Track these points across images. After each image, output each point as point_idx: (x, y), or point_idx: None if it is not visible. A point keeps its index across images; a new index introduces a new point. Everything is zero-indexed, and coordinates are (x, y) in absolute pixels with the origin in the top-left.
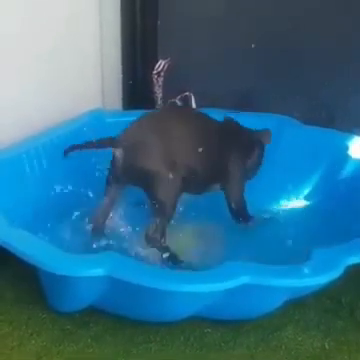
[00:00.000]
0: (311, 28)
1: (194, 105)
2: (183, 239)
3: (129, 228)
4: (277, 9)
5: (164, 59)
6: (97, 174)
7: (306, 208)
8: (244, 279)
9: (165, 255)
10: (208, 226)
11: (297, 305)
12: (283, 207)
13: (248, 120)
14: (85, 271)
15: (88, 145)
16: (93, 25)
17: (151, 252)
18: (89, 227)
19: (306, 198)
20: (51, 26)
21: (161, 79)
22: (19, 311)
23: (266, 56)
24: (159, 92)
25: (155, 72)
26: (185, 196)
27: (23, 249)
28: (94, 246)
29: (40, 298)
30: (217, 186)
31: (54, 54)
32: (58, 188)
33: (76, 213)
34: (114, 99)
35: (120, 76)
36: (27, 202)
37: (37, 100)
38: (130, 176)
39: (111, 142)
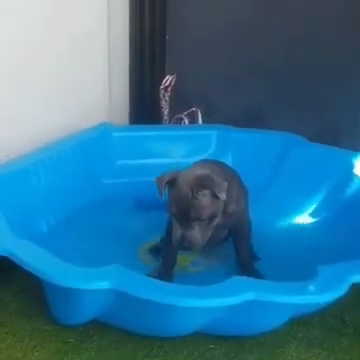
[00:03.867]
0: (319, 46)
1: (200, 121)
2: (188, 254)
3: None
4: (286, 27)
5: (171, 74)
6: (103, 187)
7: (312, 225)
8: (249, 295)
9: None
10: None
11: (301, 323)
12: (289, 224)
13: (255, 137)
14: (90, 284)
15: None
16: (102, 40)
17: None
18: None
19: (312, 215)
20: (61, 41)
21: (168, 94)
22: (23, 323)
23: (273, 74)
24: (166, 107)
25: (162, 87)
26: None
27: (29, 261)
28: None
29: (44, 310)
30: None
31: (63, 69)
32: (65, 201)
33: (81, 224)
34: (121, 113)
35: (127, 91)
36: (34, 214)
37: (46, 114)
38: None
39: None
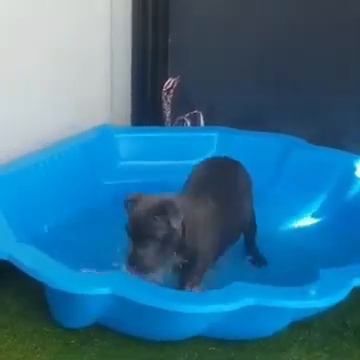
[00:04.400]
0: (323, 49)
1: (202, 123)
2: None
3: None
4: (289, 30)
5: (174, 77)
6: (104, 189)
7: (313, 227)
8: (249, 301)
9: None
10: None
11: (302, 326)
12: (290, 226)
13: (256, 140)
14: (91, 289)
15: None
16: (104, 42)
17: None
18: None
19: (313, 217)
20: (63, 42)
21: (170, 96)
22: (24, 324)
23: (275, 76)
24: (168, 109)
25: (165, 89)
26: None
27: (30, 265)
28: None
29: (45, 312)
30: None
31: (65, 70)
32: (66, 203)
33: (83, 227)
34: (123, 115)
35: (130, 92)
36: (35, 215)
37: (48, 116)
38: None
39: None
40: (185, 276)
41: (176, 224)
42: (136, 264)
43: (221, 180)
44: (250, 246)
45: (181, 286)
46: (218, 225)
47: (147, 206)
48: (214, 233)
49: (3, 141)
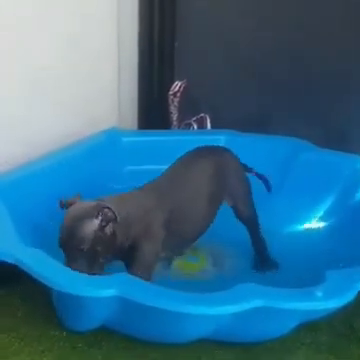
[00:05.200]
0: (328, 51)
1: (209, 126)
2: (198, 261)
3: None
4: (295, 32)
5: (180, 80)
6: (112, 192)
7: (320, 230)
8: (256, 302)
9: None
10: (222, 248)
11: (309, 328)
12: (297, 229)
13: (263, 143)
14: (97, 291)
15: None
16: (111, 45)
17: None
18: None
19: (321, 220)
20: (69, 46)
21: (177, 100)
22: (31, 328)
23: (283, 80)
24: (175, 112)
25: (171, 93)
26: None
27: (36, 268)
28: None
29: (52, 315)
30: None
31: (71, 73)
32: None
33: None
34: (130, 119)
35: (136, 96)
36: (42, 220)
37: (54, 120)
38: None
39: None
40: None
41: (103, 231)
42: None
43: (182, 172)
44: (255, 246)
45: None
46: (168, 221)
47: (75, 215)
48: (158, 230)
49: (4, 145)
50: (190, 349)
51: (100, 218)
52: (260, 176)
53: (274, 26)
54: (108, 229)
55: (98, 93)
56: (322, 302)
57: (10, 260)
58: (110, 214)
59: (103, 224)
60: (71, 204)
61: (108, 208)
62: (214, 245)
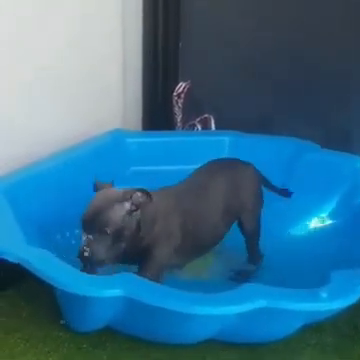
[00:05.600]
0: (331, 52)
1: (213, 127)
2: (202, 260)
3: None
4: (298, 33)
5: (185, 81)
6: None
7: (325, 230)
8: (261, 303)
9: None
10: (227, 247)
11: (314, 329)
12: (301, 230)
13: (267, 143)
14: (102, 292)
15: None
16: (115, 46)
17: None
18: None
19: (325, 220)
20: (74, 48)
21: (181, 101)
22: (36, 329)
23: (286, 80)
24: (179, 113)
25: (175, 94)
26: None
27: (41, 268)
28: None
29: (57, 316)
30: None
31: (76, 75)
32: (78, 207)
33: None
34: (134, 120)
35: (141, 97)
36: (47, 220)
37: (59, 122)
38: None
39: None
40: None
41: (131, 216)
42: (85, 258)
43: (201, 182)
44: (249, 254)
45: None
46: (184, 225)
47: (104, 199)
48: (175, 234)
49: (7, 146)
50: (195, 349)
51: (130, 202)
52: (282, 191)
53: (277, 26)
54: (135, 216)
55: (102, 94)
56: (327, 303)
57: (15, 260)
58: (141, 198)
59: (133, 208)
60: (100, 189)
61: (140, 191)
62: (219, 245)
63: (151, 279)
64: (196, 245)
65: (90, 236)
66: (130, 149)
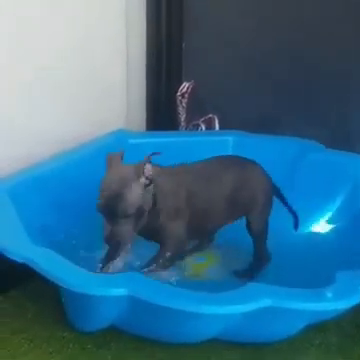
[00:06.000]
0: (336, 52)
1: (217, 127)
2: (206, 260)
3: None
4: (302, 33)
5: (188, 81)
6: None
7: (329, 231)
8: (266, 302)
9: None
10: (230, 246)
11: (318, 329)
12: (305, 230)
13: (271, 143)
14: (107, 290)
15: None
16: (119, 46)
17: None
18: None
19: (329, 221)
20: (77, 48)
21: (185, 101)
22: (40, 329)
23: (291, 79)
24: (183, 114)
25: (179, 94)
26: None
27: (46, 267)
28: None
29: (61, 316)
30: None
31: (79, 76)
32: (82, 208)
33: (99, 231)
34: (138, 120)
35: (144, 97)
36: (51, 221)
37: (62, 122)
38: None
39: None
40: (153, 257)
41: (148, 190)
42: (113, 243)
43: (208, 168)
44: (256, 255)
45: (145, 267)
46: (189, 204)
47: (119, 180)
48: (189, 214)
49: (10, 147)
50: (199, 349)
51: (145, 177)
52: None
53: (280, 26)
54: (150, 191)
55: (106, 94)
56: (332, 303)
57: (20, 259)
58: (152, 170)
59: (147, 182)
60: (113, 163)
61: (148, 163)
62: (222, 244)
63: (172, 257)
64: (197, 227)
65: (113, 219)
66: (133, 149)
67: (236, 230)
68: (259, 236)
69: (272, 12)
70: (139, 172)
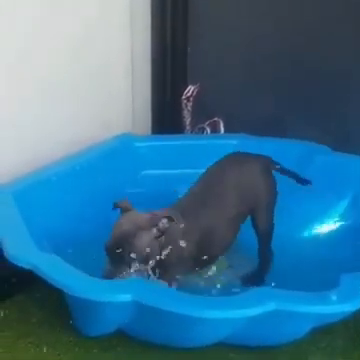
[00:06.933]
0: (344, 54)
1: (223, 130)
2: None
3: None
4: (308, 36)
5: (193, 84)
6: (124, 196)
7: (335, 234)
8: (271, 305)
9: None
10: (238, 250)
11: (324, 332)
12: (311, 233)
13: (277, 146)
14: (112, 296)
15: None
16: (124, 50)
17: None
18: None
19: (335, 224)
20: (83, 53)
21: (190, 104)
22: (46, 333)
23: (296, 82)
24: (188, 117)
25: (184, 97)
26: None
27: (51, 274)
28: None
29: (67, 321)
30: None
31: (84, 79)
32: (87, 212)
33: (104, 236)
34: (143, 123)
35: (150, 101)
36: (56, 225)
37: (67, 125)
38: None
39: None
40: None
41: (157, 241)
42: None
43: (209, 189)
44: (260, 258)
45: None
46: (193, 242)
47: (130, 225)
48: (189, 254)
49: (15, 150)
50: (205, 354)
51: (156, 229)
52: (292, 175)
53: (288, 31)
54: (160, 241)
55: (111, 98)
56: (337, 305)
57: (26, 266)
58: (167, 224)
59: (158, 234)
60: (125, 209)
61: (166, 217)
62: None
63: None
64: (211, 254)
65: (117, 261)
66: (139, 153)
67: (242, 232)
68: (265, 234)
69: (278, 14)
70: (153, 222)
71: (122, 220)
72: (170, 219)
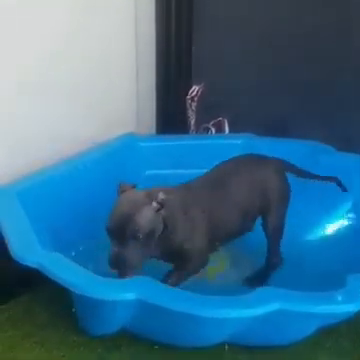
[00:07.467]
0: (347, 56)
1: (227, 130)
2: (216, 265)
3: None
4: (312, 37)
5: (198, 84)
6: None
7: (340, 234)
8: (276, 305)
9: None
10: (241, 250)
11: (330, 332)
12: (317, 233)
13: (282, 146)
14: (117, 295)
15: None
16: (129, 50)
17: None
18: None
19: (340, 224)
20: (88, 52)
21: (195, 104)
22: (51, 333)
23: (300, 83)
24: (192, 117)
25: (189, 97)
26: None
27: (57, 272)
28: None
29: (72, 321)
30: None
31: (89, 80)
32: (91, 212)
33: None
34: (148, 123)
35: (154, 101)
36: (61, 225)
37: (73, 125)
38: None
39: None
40: (171, 273)
41: (158, 216)
42: (118, 267)
43: (228, 176)
44: (268, 259)
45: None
46: (211, 220)
47: (129, 203)
48: (206, 229)
49: (20, 151)
50: (210, 354)
51: (155, 203)
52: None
53: (294, 30)
54: (161, 215)
55: (116, 98)
56: (342, 306)
57: (32, 264)
58: (164, 196)
59: (158, 207)
60: (124, 192)
61: (161, 190)
62: (233, 247)
63: (175, 284)
64: (215, 239)
65: (122, 242)
66: (143, 153)
67: (249, 236)
68: (274, 235)
69: (280, 16)
70: (151, 197)
71: (120, 200)
72: (165, 190)
